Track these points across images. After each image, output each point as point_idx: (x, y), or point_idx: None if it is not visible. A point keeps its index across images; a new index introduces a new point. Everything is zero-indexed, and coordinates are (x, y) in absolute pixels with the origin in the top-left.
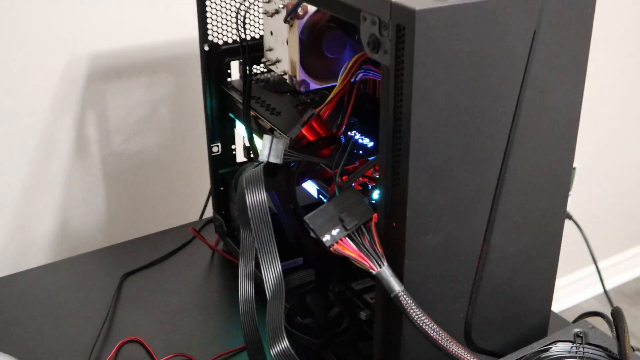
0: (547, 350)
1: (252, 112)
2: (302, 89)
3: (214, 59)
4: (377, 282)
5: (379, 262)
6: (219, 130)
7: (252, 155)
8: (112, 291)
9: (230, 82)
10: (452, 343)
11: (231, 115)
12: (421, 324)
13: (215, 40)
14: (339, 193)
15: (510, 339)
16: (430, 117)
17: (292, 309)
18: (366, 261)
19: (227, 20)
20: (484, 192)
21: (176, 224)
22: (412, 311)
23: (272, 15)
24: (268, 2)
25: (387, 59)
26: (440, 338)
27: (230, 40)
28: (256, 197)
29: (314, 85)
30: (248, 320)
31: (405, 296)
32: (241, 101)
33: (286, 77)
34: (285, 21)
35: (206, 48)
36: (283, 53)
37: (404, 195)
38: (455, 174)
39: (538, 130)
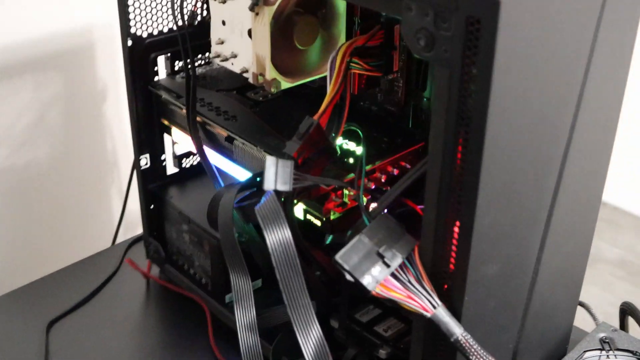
0: None
1: (198, 118)
2: (272, 90)
3: (138, 54)
4: (418, 323)
5: (433, 302)
6: (147, 140)
7: (182, 166)
8: (37, 346)
9: (158, 81)
10: None
11: (164, 122)
12: None
13: (139, 32)
14: (370, 222)
15: (542, 357)
16: (504, 129)
17: (276, 351)
18: (417, 303)
19: (153, 8)
20: (542, 207)
21: (82, 251)
22: (475, 354)
23: (224, 0)
24: None
25: (449, 60)
26: None
27: (155, 32)
28: (279, 237)
29: (284, 84)
30: None
31: (468, 338)
32: (177, 103)
33: (247, 75)
34: (251, 9)
35: (129, 43)
36: (241, 47)
37: (469, 222)
38: (519, 190)
39: (591, 135)
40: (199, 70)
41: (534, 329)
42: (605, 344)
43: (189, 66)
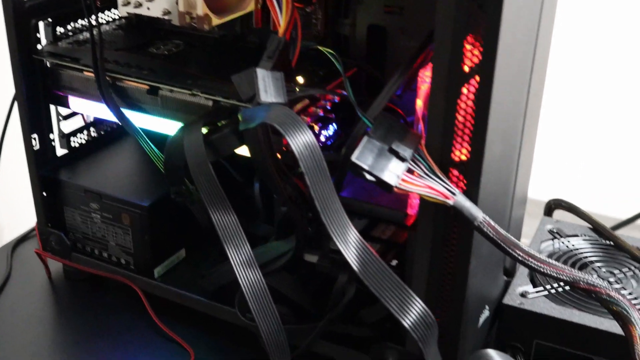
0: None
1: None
2: (205, 27)
3: (19, 21)
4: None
5: (452, 190)
6: (35, 117)
7: (71, 145)
8: None
9: (42, 49)
10: (540, 258)
11: (58, 93)
12: (512, 247)
13: None
14: (373, 121)
15: None
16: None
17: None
18: (438, 192)
19: None
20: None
21: None
22: (498, 235)
23: None
24: None
25: None
26: (530, 256)
27: None
28: (304, 140)
29: (215, 21)
30: (267, 318)
31: (489, 220)
32: (79, 67)
33: (170, 17)
34: None
35: (10, 9)
36: None
37: (486, 98)
38: (516, 78)
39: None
40: (86, 36)
41: (514, 218)
42: (555, 234)
43: (92, 18)
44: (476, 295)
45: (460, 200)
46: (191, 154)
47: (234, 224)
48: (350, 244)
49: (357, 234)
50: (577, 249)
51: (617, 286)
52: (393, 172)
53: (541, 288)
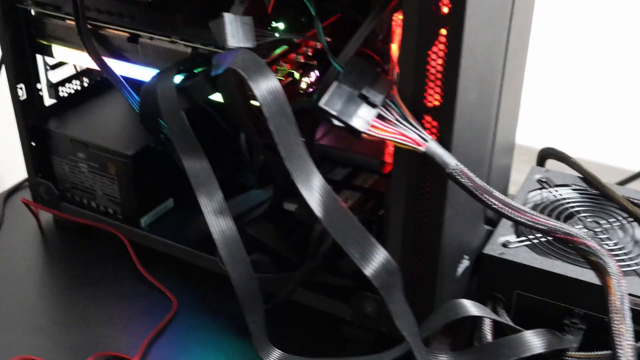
0: (528, 203)
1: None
2: None
3: None
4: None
5: (424, 136)
6: (21, 67)
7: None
8: None
9: None
10: (516, 206)
11: (41, 42)
12: (486, 195)
13: None
14: (344, 66)
15: None
16: None
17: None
18: (409, 138)
19: None
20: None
21: None
22: (471, 182)
23: None
24: None
25: None
26: (506, 204)
27: None
28: (268, 86)
29: None
30: (238, 266)
31: (462, 168)
32: (61, 15)
33: None
34: None
35: None
36: None
37: (457, 43)
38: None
39: None
40: None
41: (496, 166)
42: (544, 183)
43: None
44: (453, 244)
45: (433, 147)
46: (164, 101)
47: (206, 171)
48: (314, 191)
49: (323, 180)
50: (565, 199)
51: (602, 237)
52: (362, 118)
53: (524, 238)
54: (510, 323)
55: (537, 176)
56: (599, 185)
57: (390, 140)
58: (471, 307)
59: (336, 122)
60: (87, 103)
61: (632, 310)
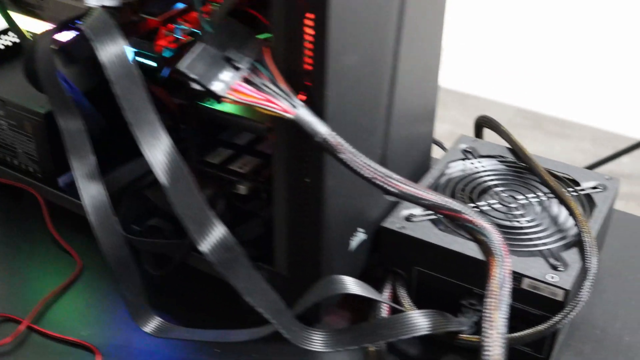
0: (445, 174)
1: None
2: None
3: None
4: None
5: (293, 102)
6: None
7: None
8: None
9: None
10: (396, 178)
11: None
12: (359, 165)
13: None
14: (212, 28)
15: (409, 167)
16: None
17: (126, 213)
18: (277, 105)
19: None
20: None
21: None
22: (346, 153)
23: None
24: None
25: None
26: (383, 175)
27: None
28: (113, 50)
29: None
30: (107, 232)
31: (335, 136)
32: None
33: None
34: None
35: None
36: None
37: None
38: None
39: None
40: None
41: (398, 135)
42: (468, 153)
43: None
44: (341, 217)
45: (302, 114)
46: (40, 62)
47: (80, 133)
48: (159, 157)
49: (171, 148)
50: (485, 171)
51: (517, 212)
52: (223, 82)
53: (431, 212)
54: (391, 303)
55: (463, 146)
56: (524, 157)
57: (254, 106)
58: (350, 284)
59: (196, 86)
60: (7, 63)
61: (525, 293)
